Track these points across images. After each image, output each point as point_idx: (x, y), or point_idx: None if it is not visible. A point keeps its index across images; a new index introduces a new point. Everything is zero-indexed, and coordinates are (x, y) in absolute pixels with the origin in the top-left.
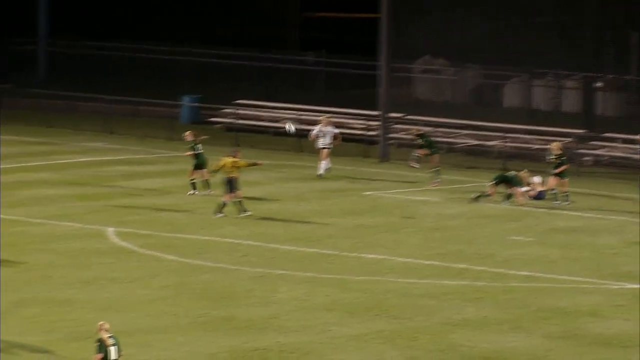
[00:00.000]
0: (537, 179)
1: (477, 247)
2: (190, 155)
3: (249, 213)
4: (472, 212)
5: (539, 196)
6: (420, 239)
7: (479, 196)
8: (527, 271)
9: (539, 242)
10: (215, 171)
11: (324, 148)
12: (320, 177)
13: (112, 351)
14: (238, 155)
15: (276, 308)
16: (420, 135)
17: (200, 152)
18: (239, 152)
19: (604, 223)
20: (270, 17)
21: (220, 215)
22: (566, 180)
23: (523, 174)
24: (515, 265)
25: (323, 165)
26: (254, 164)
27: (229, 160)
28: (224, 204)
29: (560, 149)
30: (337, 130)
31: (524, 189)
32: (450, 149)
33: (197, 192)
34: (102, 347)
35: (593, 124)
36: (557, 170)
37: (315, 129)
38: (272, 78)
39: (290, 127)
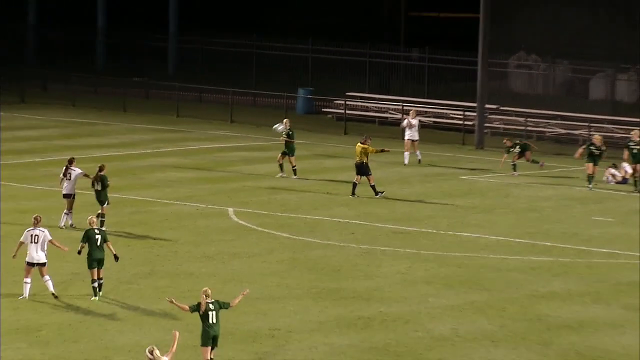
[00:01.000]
0: (625, 167)
1: (564, 226)
2: (285, 141)
3: (383, 194)
4: (560, 195)
5: (623, 181)
6: (512, 219)
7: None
8: (608, 249)
9: (619, 223)
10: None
11: (409, 139)
12: (405, 165)
13: (210, 316)
14: (368, 142)
15: (379, 281)
16: (514, 145)
17: (292, 138)
18: (370, 138)
19: None
20: (379, 15)
21: (353, 196)
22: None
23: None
24: (597, 243)
25: (407, 155)
26: (383, 151)
27: (359, 146)
28: (355, 185)
29: None
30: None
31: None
32: (541, 137)
33: (284, 175)
34: (196, 308)
35: None
36: None
37: (405, 122)
38: (380, 72)
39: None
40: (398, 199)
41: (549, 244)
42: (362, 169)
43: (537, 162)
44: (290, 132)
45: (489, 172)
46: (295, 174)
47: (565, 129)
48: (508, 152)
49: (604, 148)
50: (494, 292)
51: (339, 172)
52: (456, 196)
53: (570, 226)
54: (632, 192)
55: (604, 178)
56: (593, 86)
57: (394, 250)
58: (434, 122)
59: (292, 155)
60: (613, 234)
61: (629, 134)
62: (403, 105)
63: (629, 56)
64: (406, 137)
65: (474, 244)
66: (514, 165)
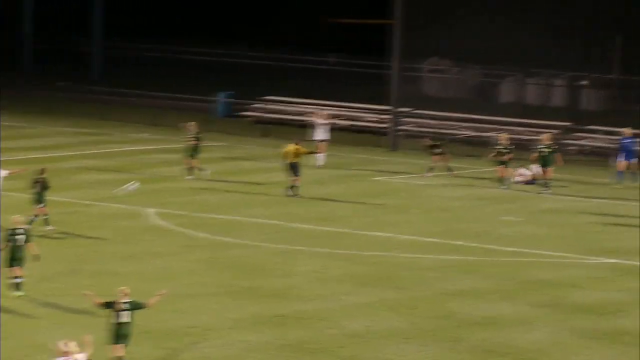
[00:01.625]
0: (534, 168)
1: (474, 225)
2: (191, 144)
3: (295, 194)
4: (471, 195)
5: (531, 182)
6: (424, 219)
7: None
8: (516, 247)
9: (527, 222)
10: (285, 158)
11: (322, 141)
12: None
13: (123, 315)
14: (300, 144)
15: (295, 279)
16: (435, 145)
17: (196, 143)
18: (301, 140)
19: (586, 205)
20: (298, 21)
21: (290, 194)
22: (550, 169)
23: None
24: (505, 242)
25: (321, 157)
26: (313, 152)
27: (292, 147)
28: (295, 186)
29: (550, 140)
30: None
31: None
32: (453, 139)
33: (193, 177)
34: (109, 305)
35: (578, 117)
36: (558, 158)
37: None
38: (299, 76)
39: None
40: (314, 199)
41: (459, 243)
42: (296, 169)
43: (450, 170)
44: (198, 135)
45: (402, 174)
46: (192, 174)
47: (476, 132)
48: (433, 153)
49: (511, 147)
50: (406, 290)
51: (257, 174)
52: (370, 196)
53: (480, 225)
54: (540, 192)
55: (513, 178)
56: (503, 90)
57: (309, 250)
58: (350, 125)
59: (195, 157)
60: (521, 233)
61: (539, 136)
62: (320, 108)
63: (538, 61)
64: (315, 138)
65: (387, 243)
66: (432, 167)
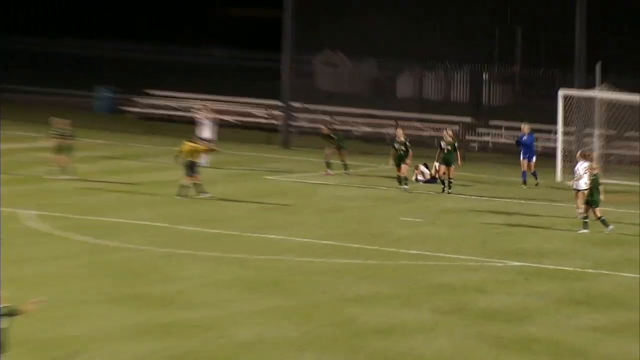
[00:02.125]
0: (436, 166)
1: (371, 227)
2: (56, 140)
3: (209, 195)
4: (368, 195)
5: (432, 180)
6: (318, 220)
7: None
8: (417, 250)
9: (428, 223)
10: (177, 156)
11: (207, 138)
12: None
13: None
14: (196, 141)
15: (181, 285)
16: (332, 136)
17: (68, 138)
18: (195, 138)
19: (489, 205)
20: (183, 13)
21: (181, 197)
22: (452, 167)
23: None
24: (406, 244)
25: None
26: (211, 150)
27: (188, 145)
28: (185, 186)
29: (452, 137)
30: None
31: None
32: (348, 136)
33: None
34: None
35: (480, 113)
36: (457, 156)
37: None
38: (184, 71)
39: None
40: (201, 200)
41: (356, 245)
42: (192, 168)
43: (346, 170)
44: (65, 132)
45: (294, 172)
46: (66, 174)
47: (372, 128)
48: (328, 145)
49: (408, 144)
50: (300, 296)
51: (141, 173)
52: (261, 196)
53: (378, 227)
54: (441, 192)
55: (414, 177)
56: (400, 84)
57: (196, 253)
58: (239, 121)
59: (67, 155)
60: (422, 234)
61: (440, 132)
62: (207, 104)
63: (438, 55)
64: (201, 135)
65: (278, 246)
66: (329, 163)
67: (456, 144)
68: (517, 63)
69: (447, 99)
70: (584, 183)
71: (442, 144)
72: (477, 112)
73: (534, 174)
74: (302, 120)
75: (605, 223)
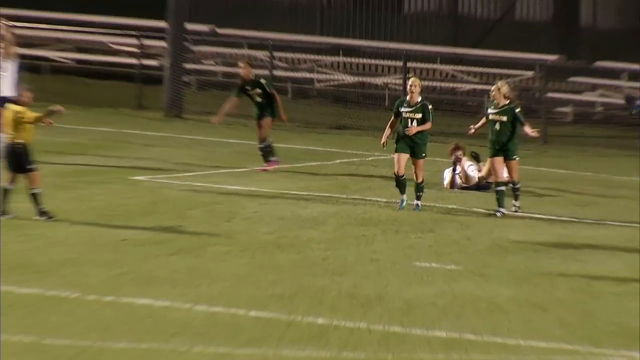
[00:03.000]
0: None
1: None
2: None
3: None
4: (343, 215)
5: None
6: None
7: None
8: None
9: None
10: None
11: None
12: None
13: None
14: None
15: None
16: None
17: None
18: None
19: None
20: None
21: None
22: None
23: None
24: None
25: None
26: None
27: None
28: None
29: (510, 96)
30: None
31: None
32: (301, 92)
33: None
34: None
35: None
36: None
37: None
38: None
39: None
40: None
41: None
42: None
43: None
44: None
45: (194, 167)
46: None
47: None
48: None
49: None
50: None
51: None
52: (130, 218)
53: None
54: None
55: (447, 179)
56: None
57: None
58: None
59: None
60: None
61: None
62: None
63: None
64: None
65: None
66: (268, 146)
67: (518, 110)
68: None
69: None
70: None
71: (490, 109)
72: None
73: None
74: (207, 62)
75: None
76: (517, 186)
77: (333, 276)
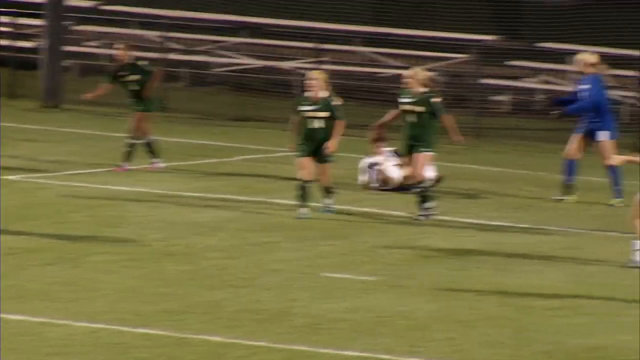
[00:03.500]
0: None
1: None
2: None
3: None
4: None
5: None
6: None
7: None
8: None
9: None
10: None
11: None
12: None
13: None
14: None
15: None
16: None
17: None
18: None
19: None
20: None
21: None
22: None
23: None
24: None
25: None
26: None
27: None
28: None
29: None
30: None
31: None
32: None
33: None
34: None
35: None
36: None
37: None
38: None
39: None
40: None
41: None
42: None
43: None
44: None
45: (66, 165)
46: None
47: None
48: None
49: None
50: None
51: None
52: None
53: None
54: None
55: (362, 177)
56: None
57: None
58: None
59: None
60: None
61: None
62: None
63: None
64: None
65: None
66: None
67: (436, 100)
68: None
69: None
70: None
71: (404, 99)
72: None
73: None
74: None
75: None
76: (424, 186)
77: (231, 289)
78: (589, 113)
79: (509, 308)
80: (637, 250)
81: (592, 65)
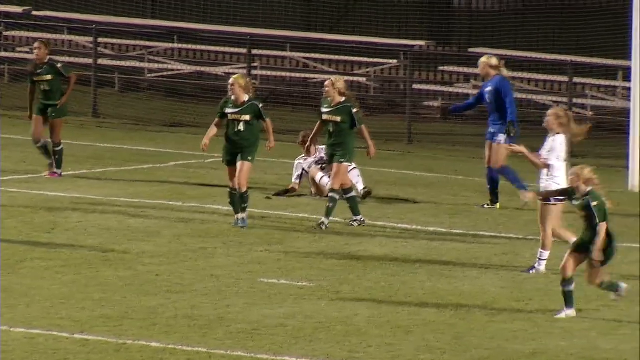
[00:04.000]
0: None
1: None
2: None
3: None
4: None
5: None
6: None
7: None
8: None
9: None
10: None
11: None
12: None
13: None
14: None
15: None
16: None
17: None
18: None
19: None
20: None
21: None
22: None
23: None
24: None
25: None
26: None
27: None
28: None
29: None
30: None
31: None
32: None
33: None
34: None
35: None
36: None
37: None
38: None
39: None
40: None
41: None
42: None
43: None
44: None
45: None
46: None
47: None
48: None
49: None
50: None
51: None
52: None
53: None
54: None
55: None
56: None
57: None
58: None
59: None
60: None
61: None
62: None
63: None
64: None
65: None
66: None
67: (355, 110)
68: None
69: None
70: None
71: (323, 108)
72: None
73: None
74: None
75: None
76: (332, 196)
77: (168, 295)
78: (492, 115)
79: (447, 314)
80: (544, 260)
81: (495, 67)
